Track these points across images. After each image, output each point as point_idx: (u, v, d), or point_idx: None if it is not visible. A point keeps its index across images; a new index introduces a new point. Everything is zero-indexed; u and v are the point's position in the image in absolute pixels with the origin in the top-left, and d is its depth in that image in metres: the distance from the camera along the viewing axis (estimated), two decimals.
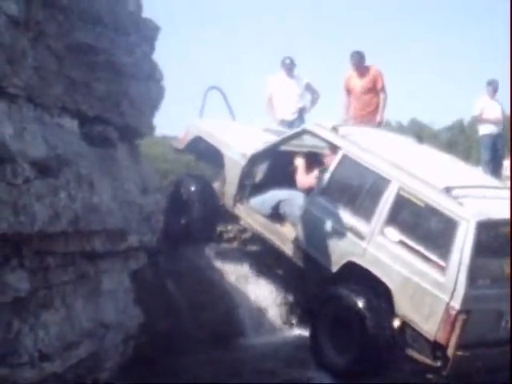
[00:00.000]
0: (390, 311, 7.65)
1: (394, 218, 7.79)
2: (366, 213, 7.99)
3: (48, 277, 5.17)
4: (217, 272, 9.42)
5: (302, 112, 12.54)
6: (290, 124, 12.34)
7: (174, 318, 7.99)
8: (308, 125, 9.67)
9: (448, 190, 7.53)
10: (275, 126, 11.78)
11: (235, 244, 10.41)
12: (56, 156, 4.93)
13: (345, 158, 8.41)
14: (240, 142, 9.85)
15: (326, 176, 8.61)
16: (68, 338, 5.44)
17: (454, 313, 7.12)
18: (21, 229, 4.51)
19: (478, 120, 14.23)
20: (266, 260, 9.90)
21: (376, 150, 8.25)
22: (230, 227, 10.49)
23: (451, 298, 7.16)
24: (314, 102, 12.74)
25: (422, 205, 7.58)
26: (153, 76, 6.88)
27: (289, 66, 12.47)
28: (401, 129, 24.69)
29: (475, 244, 7.18)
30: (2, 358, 4.72)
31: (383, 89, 12.18)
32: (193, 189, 9.84)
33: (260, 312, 9.33)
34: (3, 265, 4.61)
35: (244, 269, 9.70)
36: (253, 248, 10.23)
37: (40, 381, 5.17)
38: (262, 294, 9.56)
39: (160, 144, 19.94)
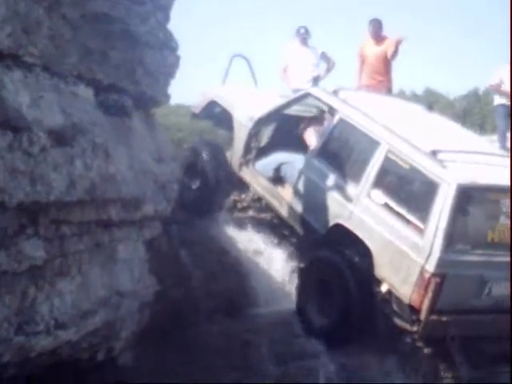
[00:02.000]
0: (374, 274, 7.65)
1: (380, 181, 7.76)
2: (356, 175, 8.00)
3: (64, 245, 5.17)
4: (230, 241, 9.44)
5: (316, 80, 12.48)
6: None
7: (187, 287, 8.02)
8: (310, 88, 9.61)
9: (434, 152, 7.46)
10: (288, 91, 11.77)
11: (249, 213, 10.41)
12: (72, 125, 4.92)
13: (341, 120, 8.43)
14: (249, 105, 9.88)
15: (323, 138, 8.59)
16: (83, 307, 5.47)
17: (427, 276, 7.06)
18: (37, 198, 4.51)
19: (494, 90, 14.01)
20: (280, 229, 9.89)
21: (371, 114, 8.21)
22: (243, 196, 10.48)
23: (426, 261, 7.08)
24: (328, 70, 12.71)
25: (407, 167, 7.53)
26: (168, 45, 6.83)
27: (303, 36, 12.46)
28: (415, 98, 24.51)
29: (455, 207, 7.07)
30: (18, 326, 4.74)
31: (393, 56, 12.07)
32: (205, 155, 9.84)
33: (273, 281, 9.36)
34: (19, 233, 4.62)
35: (257, 238, 9.72)
36: (267, 217, 10.22)
37: (55, 348, 5.22)
38: (275, 263, 9.58)
39: (174, 113, 19.90)
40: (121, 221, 6.03)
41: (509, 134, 13.51)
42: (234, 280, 8.89)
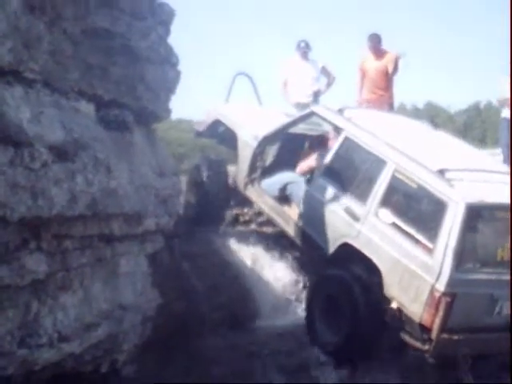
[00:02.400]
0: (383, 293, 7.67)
1: (388, 200, 7.78)
2: (363, 194, 8.03)
3: (66, 260, 5.22)
4: (232, 254, 9.49)
5: (316, 95, 12.61)
6: (305, 107, 12.41)
7: (190, 300, 8.05)
8: (315, 107, 9.68)
9: (442, 172, 7.48)
10: (291, 109, 11.85)
11: (251, 226, 10.47)
12: (73, 140, 4.97)
13: (346, 139, 8.46)
14: (254, 124, 9.94)
15: (328, 158, 8.65)
16: (86, 320, 5.51)
17: (438, 295, 7.06)
18: (39, 213, 4.56)
19: (502, 103, 13.96)
20: (282, 242, 9.94)
21: (377, 133, 8.24)
22: (246, 210, 10.54)
23: (436, 280, 7.10)
24: (329, 85, 12.82)
25: (415, 186, 7.56)
26: (169, 60, 6.90)
27: (304, 50, 12.53)
28: (416, 112, 24.59)
29: (464, 227, 7.09)
30: (21, 340, 4.79)
31: (394, 72, 12.22)
32: (205, 172, 9.90)
33: (276, 294, 9.40)
34: (21, 248, 4.67)
35: (260, 251, 9.76)
36: (268, 230, 10.27)
37: (58, 361, 5.26)
38: (278, 276, 9.62)
39: (175, 128, 20.00)
40: (123, 235, 6.08)
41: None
42: (237, 293, 8.92)
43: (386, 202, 7.77)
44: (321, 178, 8.66)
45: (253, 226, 10.50)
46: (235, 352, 7.82)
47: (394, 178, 7.74)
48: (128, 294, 6.25)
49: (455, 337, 7.18)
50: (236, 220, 10.49)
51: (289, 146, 9.67)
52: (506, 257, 7.27)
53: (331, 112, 8.97)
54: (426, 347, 7.33)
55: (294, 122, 9.63)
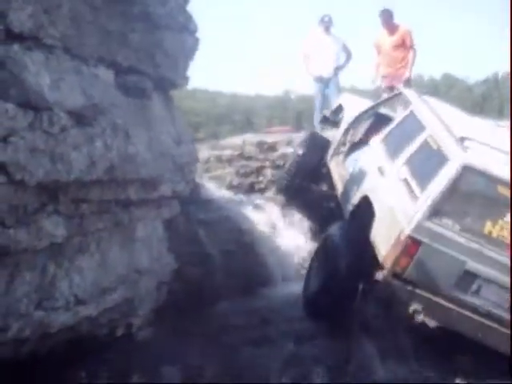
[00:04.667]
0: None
1: (412, 160, 7.84)
2: (397, 155, 8.13)
3: (83, 224, 5.29)
4: (247, 221, 9.54)
5: (337, 70, 12.82)
6: (327, 81, 12.64)
7: (205, 266, 8.10)
8: (403, 89, 9.98)
9: (463, 138, 7.49)
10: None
11: (266, 194, 10.53)
12: (92, 105, 5.00)
13: (411, 113, 8.69)
14: (358, 107, 10.39)
15: (390, 128, 8.98)
16: (103, 284, 5.59)
17: (402, 237, 6.98)
18: (57, 177, 4.61)
19: None
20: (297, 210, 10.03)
21: (438, 111, 8.34)
22: (261, 178, 10.60)
23: (408, 224, 7.03)
24: (347, 61, 13.04)
25: (435, 149, 7.58)
26: (187, 27, 6.88)
27: (327, 24, 12.73)
28: (433, 83, 24.38)
29: (454, 183, 6.97)
30: (38, 302, 4.87)
31: (412, 46, 12.48)
32: (304, 146, 10.72)
33: (290, 261, 9.45)
34: (39, 211, 4.73)
35: (275, 218, 9.81)
36: (283, 198, 10.34)
37: (74, 324, 5.34)
38: (292, 244, 9.67)
39: (191, 97, 19.97)
40: (139, 200, 6.13)
41: None
42: (251, 259, 8.98)
43: (409, 161, 7.84)
44: (379, 144, 8.89)
45: (267, 194, 10.56)
46: (250, 318, 7.87)
47: (424, 142, 7.81)
48: (144, 259, 6.32)
49: (409, 288, 7.07)
50: (252, 188, 10.55)
51: (377, 125, 9.82)
52: (496, 234, 7.14)
53: (414, 94, 9.25)
54: (372, 287, 7.39)
55: (382, 103, 10.06)
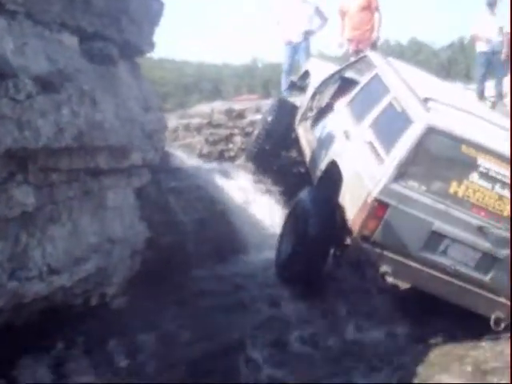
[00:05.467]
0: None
1: (376, 123, 7.85)
2: (362, 118, 8.13)
3: (53, 193, 5.25)
4: (218, 190, 9.52)
5: (307, 35, 12.66)
6: (296, 46, 12.56)
7: (178, 234, 8.08)
8: (369, 52, 10.01)
9: (426, 99, 7.49)
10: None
11: (236, 162, 10.51)
12: (58, 71, 4.94)
13: (375, 76, 8.68)
14: (324, 72, 10.33)
15: (355, 91, 8.91)
16: (75, 253, 5.56)
17: (369, 200, 7.00)
18: (26, 144, 4.55)
19: (474, 38, 14.11)
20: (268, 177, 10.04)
21: (400, 73, 8.34)
22: (230, 146, 10.57)
23: (374, 187, 7.05)
24: (321, 26, 12.87)
25: (400, 111, 7.59)
26: None
27: None
28: (400, 48, 24.40)
29: (417, 144, 6.97)
30: (11, 272, 4.82)
31: (378, 8, 12.40)
32: (274, 112, 10.58)
33: (261, 228, 9.46)
34: (9, 180, 4.67)
35: (245, 186, 9.80)
36: (254, 166, 10.33)
37: (49, 294, 5.31)
38: (263, 211, 9.68)
39: (159, 67, 19.79)
40: (109, 169, 6.09)
41: (486, 83, 13.63)
42: (223, 227, 8.97)
43: (375, 124, 7.84)
44: (344, 108, 8.86)
45: (238, 162, 10.53)
46: (223, 284, 7.90)
47: (389, 104, 7.81)
48: (116, 228, 6.29)
49: (377, 250, 7.10)
50: (222, 155, 10.53)
51: (342, 90, 9.77)
52: (462, 194, 7.15)
53: (379, 57, 9.23)
54: (342, 251, 7.47)
55: (347, 67, 9.96)
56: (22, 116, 4.51)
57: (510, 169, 7.00)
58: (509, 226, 7.00)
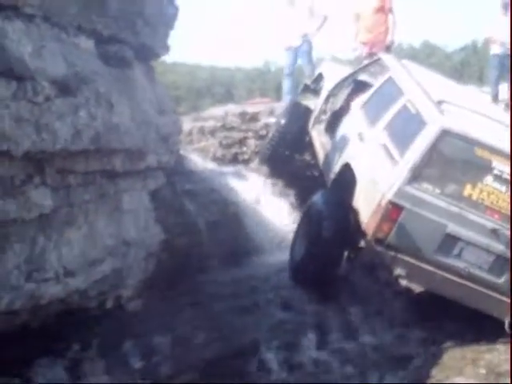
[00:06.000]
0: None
1: (391, 125, 7.85)
2: (376, 121, 8.13)
3: (70, 195, 5.27)
4: (232, 192, 9.54)
5: (306, 37, 12.58)
6: (295, 50, 12.52)
7: (192, 236, 8.10)
8: (382, 54, 9.94)
9: (440, 102, 7.48)
10: None
11: (250, 165, 10.53)
12: (75, 74, 4.97)
13: (389, 78, 8.65)
14: (338, 75, 10.28)
15: (368, 94, 8.89)
16: (91, 255, 5.58)
17: (383, 203, 6.99)
18: (43, 147, 4.58)
19: (488, 40, 14.07)
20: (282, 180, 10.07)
21: (414, 76, 8.33)
22: (244, 149, 10.59)
23: (388, 190, 7.03)
24: (321, 25, 12.72)
25: (414, 113, 7.58)
26: None
27: None
28: (412, 51, 24.41)
29: (432, 147, 6.97)
30: (28, 274, 4.85)
31: (391, 9, 12.32)
32: (287, 115, 10.56)
33: (275, 230, 9.47)
34: (27, 182, 4.70)
35: (259, 189, 9.82)
36: (267, 169, 10.36)
37: (65, 296, 5.33)
38: (277, 213, 9.69)
39: (171, 71, 19.88)
40: (125, 171, 6.11)
41: (500, 86, 13.57)
42: (237, 229, 9.00)
43: (389, 126, 7.84)
44: (359, 111, 8.84)
45: (251, 165, 10.55)
46: (237, 287, 7.91)
47: (403, 107, 7.80)
48: (131, 230, 6.30)
49: (391, 253, 7.09)
50: (235, 158, 10.55)
51: (356, 92, 9.77)
52: (476, 197, 7.14)
53: (393, 59, 9.19)
54: (356, 254, 7.48)
55: (361, 70, 9.95)
56: (40, 119, 4.54)
57: None
58: None
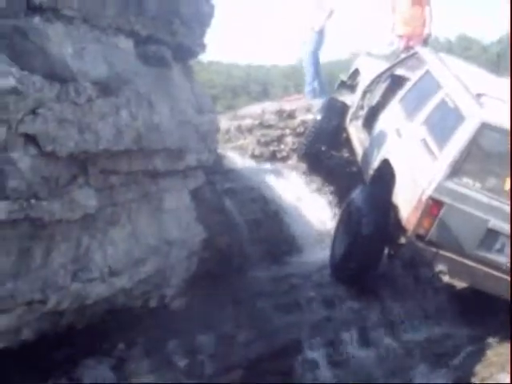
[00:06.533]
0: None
1: (429, 120, 7.78)
2: (414, 115, 8.06)
3: (113, 195, 5.30)
4: (271, 190, 9.53)
5: (312, 33, 12.54)
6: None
7: (233, 235, 8.10)
8: (419, 48, 9.91)
9: (479, 95, 7.40)
10: None
11: (288, 162, 10.52)
12: (115, 75, 5.00)
13: (426, 72, 8.58)
14: (375, 70, 10.22)
15: (406, 88, 8.85)
16: (135, 255, 5.61)
17: (424, 198, 6.94)
18: (87, 147, 4.62)
19: None
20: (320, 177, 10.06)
21: (451, 69, 8.25)
22: (282, 146, 10.60)
23: (428, 185, 6.97)
24: (325, 20, 12.54)
25: (452, 107, 7.49)
26: None
27: None
28: (449, 44, 24.17)
29: (471, 141, 6.89)
30: (74, 274, 4.89)
31: (429, 2, 12.17)
32: (323, 111, 10.54)
33: (315, 227, 9.45)
34: (71, 183, 4.74)
35: (298, 186, 9.81)
36: (305, 166, 10.36)
37: (110, 296, 5.37)
38: (316, 211, 9.67)
39: (207, 70, 19.91)
40: (166, 171, 6.13)
41: None
42: (277, 227, 8.98)
43: (427, 121, 7.77)
44: (397, 104, 8.79)
45: (290, 162, 10.55)
46: (279, 285, 7.90)
47: (441, 101, 7.73)
48: (173, 229, 6.32)
49: (433, 249, 7.03)
50: (274, 156, 10.56)
51: (394, 87, 9.73)
52: None
53: (430, 53, 9.14)
54: (396, 251, 7.46)
55: (398, 64, 9.87)
56: (83, 119, 4.57)
57: None
58: None
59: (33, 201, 4.28)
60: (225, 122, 10.84)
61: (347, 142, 10.24)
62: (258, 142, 10.84)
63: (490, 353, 7.11)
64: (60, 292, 4.73)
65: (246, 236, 8.39)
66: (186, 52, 6.88)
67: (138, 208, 5.72)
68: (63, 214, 4.55)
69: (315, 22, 12.42)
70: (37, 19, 4.52)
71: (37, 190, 4.31)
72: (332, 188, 10.37)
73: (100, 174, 5.02)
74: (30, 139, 4.22)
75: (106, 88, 4.86)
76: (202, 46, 7.24)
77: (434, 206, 6.95)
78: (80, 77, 4.60)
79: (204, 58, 7.57)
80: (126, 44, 5.61)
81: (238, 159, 10.15)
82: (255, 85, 18.14)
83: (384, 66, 10.19)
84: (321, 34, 12.54)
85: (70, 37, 4.74)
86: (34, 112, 4.20)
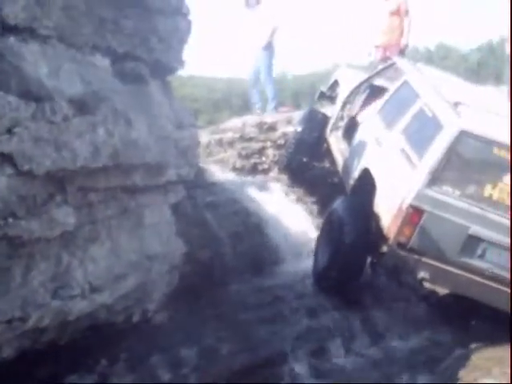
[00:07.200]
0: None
1: (408, 129, 7.88)
2: (393, 125, 8.16)
3: (92, 212, 5.31)
4: (252, 202, 9.58)
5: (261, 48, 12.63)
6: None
7: (214, 248, 8.15)
8: (397, 59, 10.13)
9: (457, 103, 7.49)
10: None
11: (270, 174, 10.58)
12: (92, 93, 5.02)
13: (404, 82, 8.72)
14: (354, 81, 10.39)
15: (384, 99, 9.00)
16: (116, 270, 5.62)
17: (404, 207, 7.04)
18: (64, 165, 4.63)
19: (506, 39, 13.99)
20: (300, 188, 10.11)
21: (429, 79, 8.36)
22: (263, 159, 10.66)
23: (408, 193, 7.07)
24: (271, 36, 12.67)
25: (430, 116, 7.58)
26: (180, 10, 6.88)
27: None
28: (429, 54, 24.32)
29: (450, 149, 7.00)
30: (54, 291, 4.90)
31: (408, 12, 12.29)
32: (303, 122, 10.69)
33: (297, 238, 9.50)
34: (49, 201, 4.75)
35: (279, 198, 9.86)
36: (287, 177, 10.40)
37: (92, 312, 5.38)
38: (298, 221, 9.73)
39: (188, 84, 19.92)
40: (145, 186, 6.15)
41: None
42: (259, 239, 9.05)
43: (406, 130, 7.87)
44: (376, 116, 8.93)
45: (271, 174, 10.61)
46: (262, 297, 7.95)
47: (419, 110, 7.83)
48: (154, 244, 6.34)
49: (414, 257, 7.13)
50: (255, 169, 10.62)
51: (372, 97, 9.81)
52: (497, 197, 7.11)
53: (408, 63, 9.34)
54: (378, 259, 7.54)
55: (376, 74, 10.07)
56: (59, 138, 4.60)
57: None
58: None
59: (10, 220, 4.30)
60: (206, 136, 10.92)
61: (328, 153, 10.32)
62: (239, 155, 10.92)
63: (473, 357, 7.16)
64: (41, 309, 4.74)
65: (228, 249, 8.44)
66: (163, 68, 6.91)
67: (118, 224, 5.73)
68: (42, 233, 4.57)
69: (260, 40, 12.55)
70: (12, 39, 4.55)
71: (14, 208, 4.33)
72: (314, 199, 10.47)
73: (78, 191, 5.04)
74: (6, 158, 4.23)
75: (82, 106, 4.89)
76: (181, 62, 7.27)
77: (414, 213, 7.03)
78: (56, 95, 4.63)
79: (185, 72, 7.59)
80: (103, 62, 5.63)
81: (219, 173, 10.21)
82: (237, 98, 18.17)
83: (362, 76, 10.30)
84: (268, 49, 12.65)
85: (46, 56, 4.77)
86: (9, 131, 4.22)
